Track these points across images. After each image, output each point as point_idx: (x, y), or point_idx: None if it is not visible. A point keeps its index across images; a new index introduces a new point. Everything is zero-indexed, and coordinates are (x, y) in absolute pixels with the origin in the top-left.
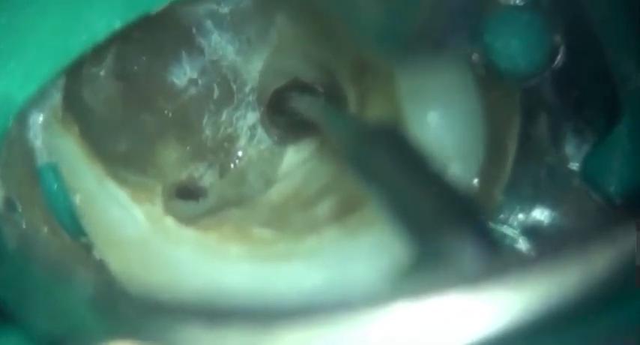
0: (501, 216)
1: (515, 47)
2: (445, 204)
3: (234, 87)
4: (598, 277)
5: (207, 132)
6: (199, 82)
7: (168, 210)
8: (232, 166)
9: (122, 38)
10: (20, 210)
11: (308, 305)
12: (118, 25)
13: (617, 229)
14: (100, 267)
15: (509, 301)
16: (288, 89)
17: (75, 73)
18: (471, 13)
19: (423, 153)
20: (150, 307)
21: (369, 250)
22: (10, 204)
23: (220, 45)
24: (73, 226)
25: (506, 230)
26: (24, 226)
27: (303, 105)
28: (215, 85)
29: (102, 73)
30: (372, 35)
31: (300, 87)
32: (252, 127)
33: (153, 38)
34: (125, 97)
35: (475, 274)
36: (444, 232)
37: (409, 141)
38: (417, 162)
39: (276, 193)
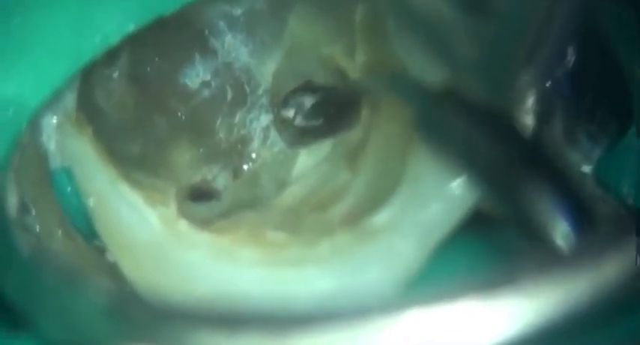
0: None
1: None
2: (519, 152)
3: (248, 89)
4: (610, 285)
5: (221, 134)
6: (212, 84)
7: (182, 212)
8: (246, 168)
9: (134, 40)
10: (34, 213)
11: (321, 311)
12: (131, 27)
13: (630, 238)
14: (114, 270)
15: (522, 309)
16: (300, 91)
17: (88, 75)
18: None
19: (488, 108)
20: (163, 312)
21: (383, 255)
22: (24, 207)
23: (234, 47)
24: (86, 229)
25: None
26: (38, 230)
27: (368, 81)
28: (228, 87)
29: (115, 75)
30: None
31: (313, 89)
32: (266, 130)
33: (165, 40)
34: (138, 99)
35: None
36: (522, 181)
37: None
38: (484, 116)
39: (290, 195)
